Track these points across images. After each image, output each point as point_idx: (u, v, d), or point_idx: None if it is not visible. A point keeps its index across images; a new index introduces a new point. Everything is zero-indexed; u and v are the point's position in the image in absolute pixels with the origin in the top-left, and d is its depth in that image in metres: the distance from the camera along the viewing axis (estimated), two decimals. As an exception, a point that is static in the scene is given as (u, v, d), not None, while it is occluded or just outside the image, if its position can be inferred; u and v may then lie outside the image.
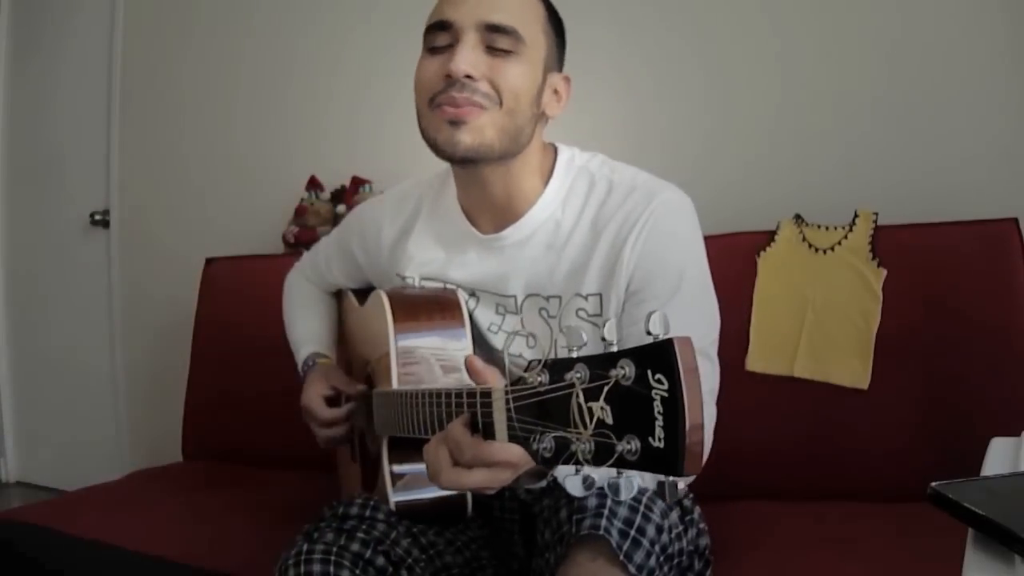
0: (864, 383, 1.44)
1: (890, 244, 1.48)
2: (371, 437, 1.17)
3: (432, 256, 1.13)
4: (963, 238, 1.44)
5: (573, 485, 0.58)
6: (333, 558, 0.94)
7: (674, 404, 0.49)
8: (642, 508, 0.87)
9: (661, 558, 0.87)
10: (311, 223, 2.16)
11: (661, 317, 0.52)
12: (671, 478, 0.52)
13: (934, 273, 1.44)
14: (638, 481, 0.55)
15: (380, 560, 0.97)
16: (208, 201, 2.51)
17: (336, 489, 1.38)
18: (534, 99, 1.00)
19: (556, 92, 1.05)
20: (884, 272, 1.46)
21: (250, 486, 1.66)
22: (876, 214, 1.50)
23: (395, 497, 1.03)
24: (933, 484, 0.63)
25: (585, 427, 0.55)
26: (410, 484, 1.03)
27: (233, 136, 2.47)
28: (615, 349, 0.55)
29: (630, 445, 0.52)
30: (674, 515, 0.94)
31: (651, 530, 0.86)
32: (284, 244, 2.18)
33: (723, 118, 1.84)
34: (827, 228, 1.54)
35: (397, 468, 1.04)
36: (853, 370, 1.45)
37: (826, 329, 1.49)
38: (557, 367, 0.59)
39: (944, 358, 1.41)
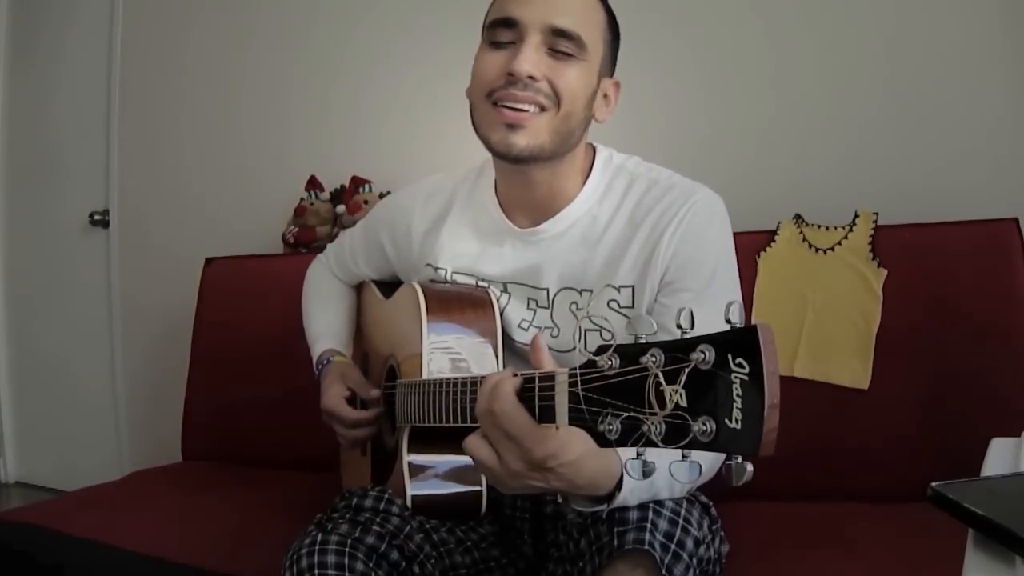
0: (864, 383, 1.44)
1: (890, 244, 1.48)
2: (387, 431, 1.17)
3: (466, 248, 1.14)
4: (963, 238, 1.44)
5: (633, 468, 0.60)
6: (348, 550, 0.93)
7: (755, 387, 0.51)
8: (681, 521, 0.89)
9: (697, 571, 0.89)
10: (311, 223, 2.16)
11: (738, 307, 0.54)
12: (739, 459, 0.54)
13: (934, 273, 1.44)
14: (700, 465, 0.57)
15: (394, 554, 0.96)
16: (208, 201, 2.51)
17: (338, 487, 1.38)
18: (588, 102, 1.02)
19: (606, 96, 1.07)
20: (884, 272, 1.46)
21: (250, 486, 1.65)
22: (876, 214, 1.50)
23: (412, 490, 1.03)
24: (933, 484, 0.63)
25: (662, 408, 0.56)
26: (428, 477, 1.03)
27: (233, 136, 2.47)
28: (689, 335, 0.56)
29: (705, 426, 0.53)
30: (705, 526, 0.95)
31: (690, 543, 0.88)
32: (284, 244, 2.18)
33: (723, 118, 1.84)
34: (827, 228, 1.54)
35: (417, 460, 1.04)
36: (853, 370, 1.45)
37: (826, 329, 1.49)
38: (629, 352, 0.60)
39: (944, 358, 1.41)
